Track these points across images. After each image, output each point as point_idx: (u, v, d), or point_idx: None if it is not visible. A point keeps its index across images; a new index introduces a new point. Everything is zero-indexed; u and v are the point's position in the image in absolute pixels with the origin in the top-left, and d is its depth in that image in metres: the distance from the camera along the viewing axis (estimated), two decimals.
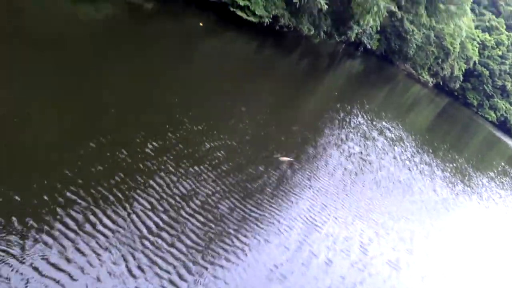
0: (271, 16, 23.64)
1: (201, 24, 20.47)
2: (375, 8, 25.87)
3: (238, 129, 11.77)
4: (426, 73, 55.21)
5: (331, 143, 14.87)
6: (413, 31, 47.77)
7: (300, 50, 31.49)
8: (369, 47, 46.94)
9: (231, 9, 22.34)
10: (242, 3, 22.04)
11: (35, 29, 10.69)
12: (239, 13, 22.38)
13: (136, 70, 11.91)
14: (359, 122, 19.34)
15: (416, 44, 49.50)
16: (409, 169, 17.38)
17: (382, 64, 52.02)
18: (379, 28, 45.45)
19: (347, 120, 18.60)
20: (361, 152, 15.63)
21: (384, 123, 21.90)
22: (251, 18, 22.67)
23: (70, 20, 13.21)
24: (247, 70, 19.79)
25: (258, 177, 9.82)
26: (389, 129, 21.11)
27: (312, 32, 28.20)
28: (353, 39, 35.92)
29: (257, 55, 24.06)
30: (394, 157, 17.50)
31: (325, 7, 21.18)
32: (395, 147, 18.90)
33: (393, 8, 43.75)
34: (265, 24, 23.79)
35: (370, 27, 43.14)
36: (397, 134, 21.26)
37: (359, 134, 17.52)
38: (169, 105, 10.80)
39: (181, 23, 20.74)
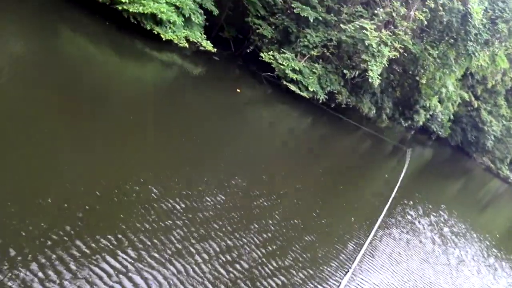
0: (326, 92, 22.16)
1: (238, 90, 19.38)
2: (443, 91, 23.71)
3: (289, 225, 9.92)
4: (506, 167, 50.43)
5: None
6: (491, 122, 44.32)
7: (361, 132, 29.55)
8: (441, 135, 43.87)
9: (284, 82, 21.24)
10: (294, 77, 20.88)
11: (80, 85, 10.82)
12: (292, 87, 21.21)
13: (179, 141, 11.46)
14: (421, 219, 16.57)
15: (494, 136, 45.73)
16: None
17: (456, 155, 48.37)
18: (452, 117, 42.76)
19: (407, 215, 15.97)
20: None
21: (451, 221, 18.80)
22: (304, 94, 21.37)
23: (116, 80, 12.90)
24: (297, 148, 18.12)
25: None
26: (456, 233, 17.90)
27: (373, 112, 26.27)
28: (421, 124, 33.31)
29: (310, 132, 22.47)
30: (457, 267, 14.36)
31: (377, 81, 19.32)
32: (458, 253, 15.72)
33: (468, 97, 41.25)
34: (320, 101, 22.35)
35: (442, 114, 40.64)
36: (466, 238, 18.00)
37: (416, 233, 14.74)
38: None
39: (234, 92, 19.87)
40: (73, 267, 5.51)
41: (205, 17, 19.96)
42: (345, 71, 21.20)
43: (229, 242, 7.67)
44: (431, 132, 43.99)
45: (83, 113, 9.82)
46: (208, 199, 8.71)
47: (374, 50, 19.59)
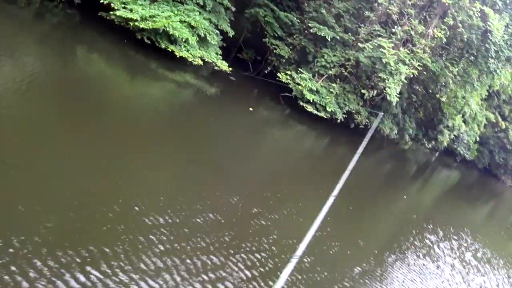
0: (344, 112, 21.77)
1: (251, 109, 19.17)
2: (466, 110, 23.02)
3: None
4: None
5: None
6: None
7: (382, 154, 28.89)
8: (467, 157, 42.59)
9: (300, 103, 20.99)
10: (311, 98, 20.61)
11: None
12: (309, 108, 20.92)
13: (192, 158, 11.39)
14: (441, 243, 15.76)
15: None
16: None
17: (484, 178, 46.87)
18: (478, 138, 41.56)
19: (425, 239, 15.25)
20: None
21: (474, 246, 17.89)
22: (322, 114, 21.05)
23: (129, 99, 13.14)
24: (314, 168, 17.70)
25: None
26: (480, 259, 16.77)
27: (394, 132, 25.65)
28: (446, 145, 32.40)
29: (328, 153, 22.06)
30: None
31: (395, 100, 18.88)
32: None
33: (494, 118, 40.13)
34: (338, 121, 21.95)
35: (467, 135, 39.54)
36: (491, 264, 17.01)
37: (434, 259, 14.00)
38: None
39: (251, 113, 19.68)
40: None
41: (221, 37, 20.02)
42: (363, 91, 20.80)
43: (215, 259, 7.35)
44: (456, 154, 42.84)
45: (96, 132, 9.85)
46: (210, 216, 8.49)
47: (392, 68, 19.22)
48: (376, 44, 19.80)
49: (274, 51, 22.82)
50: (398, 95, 19.99)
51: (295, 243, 9.44)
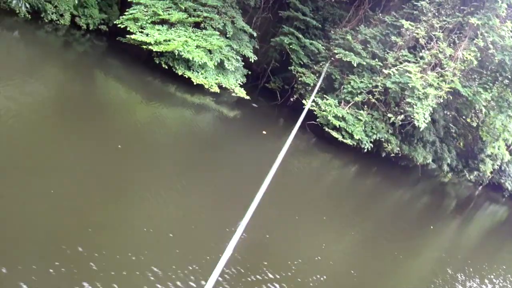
0: (372, 141, 20.97)
1: (264, 132, 18.64)
2: (506, 135, 21.66)
3: None
4: None
5: None
6: None
7: (417, 187, 27.43)
8: None
9: (326, 129, 20.43)
10: (337, 124, 20.03)
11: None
12: (334, 134, 20.32)
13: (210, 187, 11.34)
14: None
15: None
16: None
17: None
18: None
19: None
20: None
21: None
22: (348, 141, 20.37)
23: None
24: (340, 200, 16.90)
25: None
26: None
27: (428, 161, 24.45)
28: (489, 177, 30.38)
29: (356, 183, 21.11)
30: None
31: (424, 125, 18.02)
32: None
33: None
34: (365, 150, 21.15)
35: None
36: None
37: None
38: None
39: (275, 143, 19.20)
40: None
41: (243, 63, 20.03)
42: (389, 115, 20.03)
43: None
44: (504, 189, 40.46)
45: (116, 158, 9.80)
46: None
47: (419, 93, 18.46)
48: (402, 69, 19.16)
49: (300, 79, 22.55)
50: (427, 121, 19.05)
51: None
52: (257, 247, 9.37)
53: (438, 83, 18.53)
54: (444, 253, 16.64)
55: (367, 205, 18.13)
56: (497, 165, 29.73)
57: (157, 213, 8.58)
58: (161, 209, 8.77)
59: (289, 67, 23.11)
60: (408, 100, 18.56)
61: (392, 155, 22.77)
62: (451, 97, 19.55)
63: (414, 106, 18.41)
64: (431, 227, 19.03)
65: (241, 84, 19.88)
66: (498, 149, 26.77)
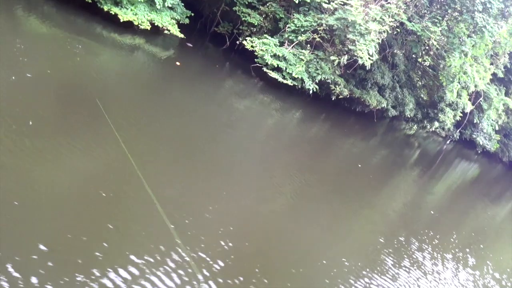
0: (316, 82, 19.76)
1: (178, 63, 17.35)
2: (464, 77, 20.46)
3: None
4: None
5: None
6: None
7: (377, 138, 26.22)
8: (489, 149, 39.07)
9: (264, 69, 19.20)
10: (275, 64, 18.80)
11: None
12: (273, 75, 19.09)
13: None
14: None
15: None
16: None
17: (509, 173, 42.99)
18: (497, 127, 38.22)
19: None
20: None
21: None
22: (288, 82, 19.17)
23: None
24: (277, 148, 15.41)
25: None
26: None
27: (384, 106, 23.33)
28: (451, 130, 29.16)
29: (300, 130, 19.83)
30: None
31: (368, 62, 16.81)
32: None
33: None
34: (310, 91, 19.97)
35: (487, 124, 36.42)
36: None
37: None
38: None
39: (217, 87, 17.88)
40: None
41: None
42: (332, 58, 18.76)
43: None
44: (477, 145, 39.58)
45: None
46: None
47: (361, 28, 17.16)
48: (342, 3, 17.81)
49: (244, 19, 21.12)
50: (372, 58, 17.78)
51: None
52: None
53: (381, 17, 17.19)
54: (400, 212, 15.38)
55: (308, 154, 16.77)
56: (459, 115, 28.54)
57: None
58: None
59: (233, 8, 21.65)
60: (349, 36, 17.26)
61: (341, 97, 21.57)
62: (398, 31, 18.21)
63: (357, 43, 17.15)
64: (359, 165, 17.86)
65: (181, 23, 18.49)
66: (458, 97, 25.68)
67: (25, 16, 13.66)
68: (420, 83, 25.38)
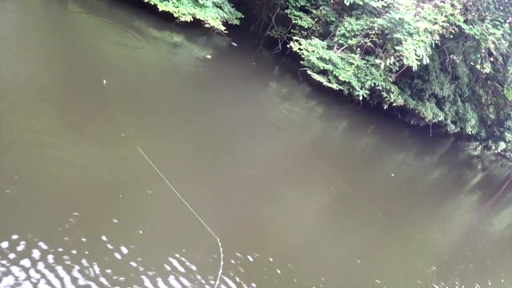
0: (366, 87, 18.80)
1: (209, 56, 16.89)
2: None
3: None
4: None
5: None
6: None
7: (433, 154, 24.42)
8: None
9: (308, 72, 18.58)
10: (321, 66, 18.14)
11: None
12: (318, 78, 18.42)
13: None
14: None
15: None
16: None
17: None
18: None
19: None
20: None
21: None
22: (334, 85, 18.39)
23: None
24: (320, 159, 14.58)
25: None
26: None
27: (441, 119, 21.74)
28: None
29: (347, 141, 18.76)
30: None
31: (415, 63, 15.66)
32: None
33: None
34: (360, 97, 19.03)
35: None
36: None
37: None
38: None
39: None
40: None
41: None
42: (376, 61, 17.78)
43: None
44: None
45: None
46: None
47: (410, 27, 16.11)
48: (394, 6, 16.86)
49: (295, 21, 20.70)
50: (420, 59, 16.58)
51: None
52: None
53: (433, 17, 16.05)
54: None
55: (353, 169, 15.66)
56: None
57: None
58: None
59: (284, 11, 21.34)
60: (397, 36, 16.26)
61: (394, 105, 20.30)
62: (453, 32, 16.86)
63: (404, 43, 16.11)
64: (392, 174, 16.36)
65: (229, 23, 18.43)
66: None
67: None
68: (485, 97, 23.44)
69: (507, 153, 31.77)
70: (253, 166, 10.54)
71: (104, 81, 9.67)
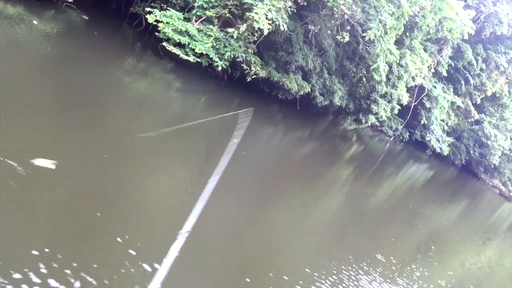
0: (226, 59, 18.19)
1: (35, 22, 15.35)
2: (388, 55, 19.19)
3: None
4: None
5: None
6: (496, 136, 38.28)
7: (303, 129, 24.50)
8: (441, 151, 37.99)
9: (164, 44, 17.59)
10: (177, 39, 17.20)
11: None
12: (174, 50, 17.48)
13: None
14: None
15: (503, 153, 39.46)
16: None
17: (462, 177, 42.02)
18: (446, 128, 37.38)
19: None
20: None
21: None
22: (190, 58, 17.56)
23: None
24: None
25: None
26: None
27: (307, 91, 21.83)
28: (383, 118, 27.41)
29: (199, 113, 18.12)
30: None
31: (267, 27, 15.38)
32: None
33: (462, 102, 36.10)
34: (218, 68, 18.36)
35: (440, 127, 35.39)
36: None
37: None
38: None
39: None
40: None
41: None
42: (229, 30, 17.34)
43: None
44: (428, 147, 38.62)
45: None
46: None
47: None
48: None
49: None
50: (271, 23, 16.29)
51: None
52: None
53: None
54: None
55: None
56: (397, 108, 27.20)
57: None
58: None
59: None
60: (248, 0, 15.87)
61: (256, 78, 19.90)
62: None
63: (254, 7, 15.77)
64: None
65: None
66: (394, 88, 24.49)
67: None
68: (354, 71, 24.03)
69: (384, 128, 33.29)
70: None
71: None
